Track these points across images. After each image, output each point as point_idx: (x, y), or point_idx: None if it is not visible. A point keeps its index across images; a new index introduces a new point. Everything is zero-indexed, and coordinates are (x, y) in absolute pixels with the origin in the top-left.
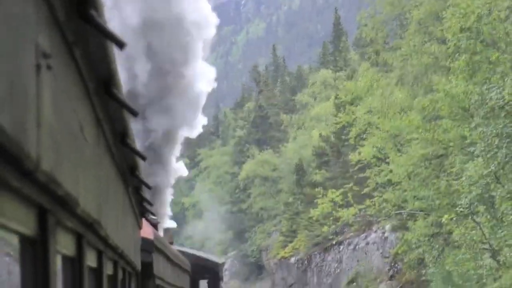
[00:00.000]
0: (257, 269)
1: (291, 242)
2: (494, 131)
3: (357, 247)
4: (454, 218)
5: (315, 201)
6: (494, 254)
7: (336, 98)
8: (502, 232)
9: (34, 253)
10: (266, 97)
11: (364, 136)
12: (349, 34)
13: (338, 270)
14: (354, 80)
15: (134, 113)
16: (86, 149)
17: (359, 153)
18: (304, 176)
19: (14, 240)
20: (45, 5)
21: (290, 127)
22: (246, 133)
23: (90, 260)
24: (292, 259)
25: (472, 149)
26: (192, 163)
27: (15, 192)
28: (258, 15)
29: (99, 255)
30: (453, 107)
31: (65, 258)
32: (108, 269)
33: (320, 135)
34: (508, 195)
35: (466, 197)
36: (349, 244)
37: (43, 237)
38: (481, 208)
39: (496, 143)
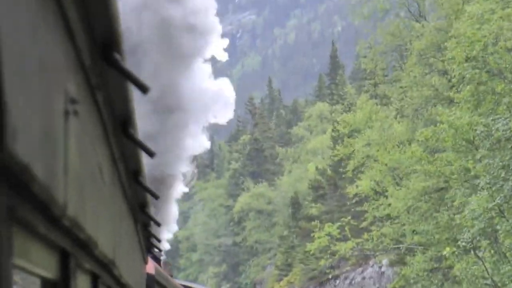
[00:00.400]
0: None
1: (286, 275)
2: (500, 163)
3: (353, 281)
4: (456, 253)
5: (311, 234)
6: None
7: (333, 130)
8: (506, 267)
9: None
10: (262, 130)
11: (362, 169)
12: (346, 68)
13: None
14: (352, 113)
15: (151, 154)
16: (104, 190)
17: (357, 186)
18: (300, 209)
19: (37, 283)
20: (73, 50)
21: (285, 160)
22: (241, 165)
23: None
24: None
25: (477, 181)
26: (186, 195)
27: (41, 238)
28: (253, 48)
29: None
30: (457, 139)
31: None
32: None
33: (317, 168)
34: (510, 231)
35: (468, 231)
36: (345, 278)
37: (65, 280)
38: (484, 242)
39: (502, 175)
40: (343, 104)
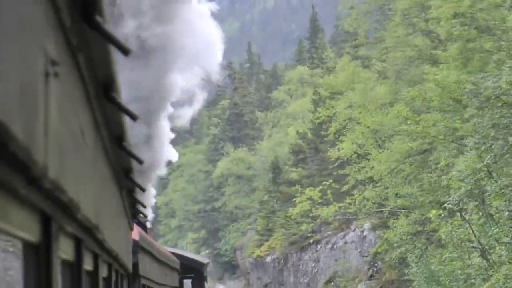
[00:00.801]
0: (231, 268)
1: (266, 241)
2: (490, 122)
3: (335, 246)
4: (442, 215)
5: (292, 199)
6: (484, 253)
7: (314, 93)
8: (494, 229)
9: (37, 259)
10: (241, 95)
11: (344, 132)
12: (325, 33)
13: (316, 270)
14: (334, 75)
15: (134, 117)
16: (86, 154)
17: (339, 150)
18: (280, 174)
19: (18, 246)
20: (52, 9)
21: (265, 125)
22: (221, 131)
23: (87, 263)
24: (268, 258)
25: (464, 141)
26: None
27: (21, 199)
28: (232, 14)
29: (96, 258)
30: (444, 98)
31: (64, 263)
32: (103, 272)
33: (297, 132)
34: (502, 190)
35: (455, 193)
36: (327, 243)
37: (47, 243)
38: (471, 204)
39: (492, 134)
40: (323, 68)
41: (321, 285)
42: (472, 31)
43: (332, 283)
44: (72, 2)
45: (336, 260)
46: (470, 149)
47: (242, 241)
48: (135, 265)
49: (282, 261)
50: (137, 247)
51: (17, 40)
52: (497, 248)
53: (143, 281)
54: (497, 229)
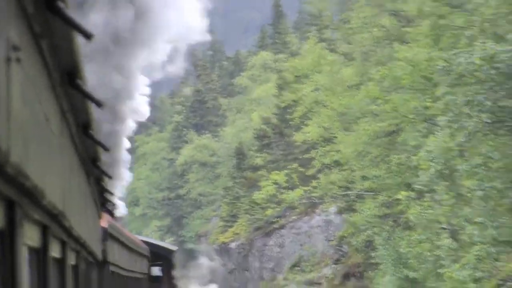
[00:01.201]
0: (195, 255)
1: (231, 227)
2: (464, 99)
3: (300, 230)
4: (411, 197)
5: (257, 184)
6: (454, 234)
7: (278, 78)
8: (465, 210)
9: (1, 245)
10: (204, 82)
11: (310, 115)
12: (288, 19)
13: (281, 255)
14: (299, 58)
15: (99, 104)
16: (52, 140)
17: (304, 133)
18: (244, 159)
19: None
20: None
21: (229, 111)
22: (184, 118)
23: (55, 251)
24: (233, 244)
25: (437, 120)
26: (128, 150)
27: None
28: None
29: (63, 246)
30: (415, 76)
31: (30, 249)
32: (71, 260)
33: (262, 117)
34: (475, 170)
35: (424, 174)
36: (291, 227)
37: (11, 229)
38: (441, 185)
39: (466, 111)
40: (287, 53)
41: (286, 270)
42: (443, 8)
43: (298, 267)
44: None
45: (301, 244)
46: (442, 129)
47: (207, 228)
48: (104, 252)
49: (247, 246)
50: (106, 235)
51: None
52: (468, 228)
53: (112, 268)
54: (469, 209)
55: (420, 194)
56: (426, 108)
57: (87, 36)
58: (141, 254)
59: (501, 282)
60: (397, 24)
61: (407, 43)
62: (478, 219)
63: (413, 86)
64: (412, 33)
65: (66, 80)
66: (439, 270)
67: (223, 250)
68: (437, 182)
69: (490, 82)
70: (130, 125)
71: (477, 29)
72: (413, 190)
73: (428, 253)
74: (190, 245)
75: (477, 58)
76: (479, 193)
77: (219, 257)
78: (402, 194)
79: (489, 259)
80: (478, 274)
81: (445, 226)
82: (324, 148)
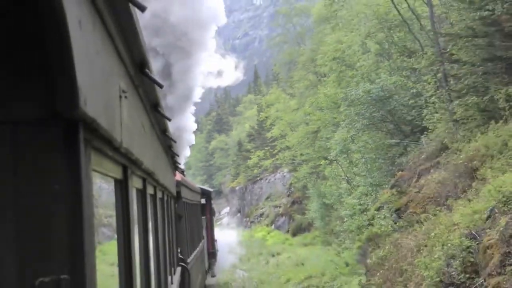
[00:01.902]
0: (218, 193)
1: (236, 179)
2: (355, 112)
3: (270, 180)
4: (326, 163)
5: (249, 157)
6: (348, 181)
7: (258, 106)
8: (353, 169)
9: (121, 188)
10: (221, 109)
11: (275, 124)
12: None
13: (260, 193)
14: (269, 95)
15: (169, 119)
16: (145, 136)
17: (272, 133)
18: (241, 146)
19: (111, 181)
20: (124, 64)
21: (234, 123)
22: (211, 127)
23: (150, 191)
24: (237, 188)
25: (342, 123)
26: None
27: (111, 158)
28: None
29: (155, 188)
30: (328, 102)
31: (137, 190)
32: (159, 195)
33: (250, 126)
34: (359, 149)
35: (333, 151)
36: (266, 179)
37: (125, 180)
38: (341, 157)
39: (356, 119)
40: (262, 95)
41: (263, 200)
42: (342, 67)
43: (269, 199)
44: (133, 61)
45: (271, 187)
46: (342, 128)
47: (224, 180)
48: (178, 193)
49: (244, 189)
50: (179, 183)
51: (108, 80)
52: (356, 178)
53: (183, 200)
54: (356, 169)
55: (331, 162)
56: (334, 118)
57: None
58: (196, 192)
59: (381, 205)
60: (317, 77)
61: (323, 86)
62: (362, 174)
63: (327, 107)
64: (326, 81)
65: (153, 107)
66: (341, 200)
67: (232, 191)
68: (340, 155)
69: (368, 103)
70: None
71: (360, 77)
72: (327, 159)
73: (335, 191)
74: (216, 188)
75: (360, 92)
76: (362, 160)
77: (230, 194)
78: (322, 162)
79: (367, 194)
80: (361, 201)
81: (343, 177)
82: (281, 140)
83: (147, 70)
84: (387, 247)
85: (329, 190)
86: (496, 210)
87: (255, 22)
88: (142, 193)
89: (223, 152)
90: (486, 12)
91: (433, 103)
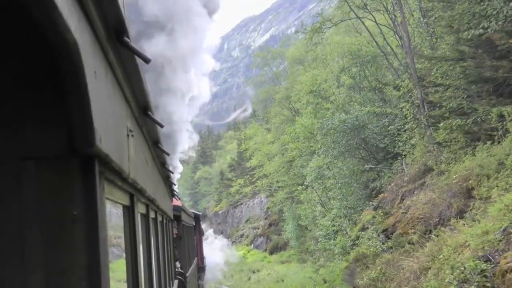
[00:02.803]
0: (203, 217)
1: (219, 204)
2: (331, 140)
3: (249, 205)
4: (302, 188)
5: (231, 185)
6: (323, 205)
7: (238, 141)
8: (328, 193)
9: (128, 213)
10: (204, 144)
11: (253, 155)
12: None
13: (241, 216)
14: (248, 130)
15: (167, 154)
16: (148, 168)
17: (251, 163)
18: (224, 176)
19: (120, 207)
20: (130, 109)
21: (216, 156)
22: (197, 159)
23: (152, 215)
24: (220, 212)
25: (318, 151)
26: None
27: (120, 187)
28: None
29: (156, 213)
30: (305, 132)
31: (141, 215)
32: (159, 218)
33: (231, 157)
34: (334, 175)
35: (309, 178)
36: (245, 204)
37: (132, 206)
38: (317, 183)
39: (332, 146)
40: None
41: (243, 223)
42: (319, 99)
43: (248, 221)
44: (137, 104)
45: (250, 211)
46: (318, 155)
47: (208, 205)
48: (179, 217)
49: (226, 212)
50: (180, 209)
51: (118, 121)
52: (330, 202)
53: (183, 223)
54: (331, 193)
55: (307, 187)
56: (311, 146)
57: (146, 60)
58: (190, 216)
59: (364, 226)
60: (291, 113)
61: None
62: (337, 197)
63: (304, 136)
64: (303, 112)
65: (154, 144)
66: (315, 221)
67: (216, 214)
68: (315, 181)
69: (343, 132)
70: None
71: (335, 108)
72: (302, 185)
73: (310, 214)
74: (201, 212)
75: (335, 122)
76: (337, 185)
77: (214, 218)
78: (298, 188)
79: (342, 217)
80: (335, 223)
81: (318, 201)
82: (259, 169)
83: (149, 112)
84: (379, 268)
85: (304, 213)
86: (511, 230)
87: (233, 71)
88: (145, 217)
89: (207, 181)
90: (480, 30)
91: (409, 129)
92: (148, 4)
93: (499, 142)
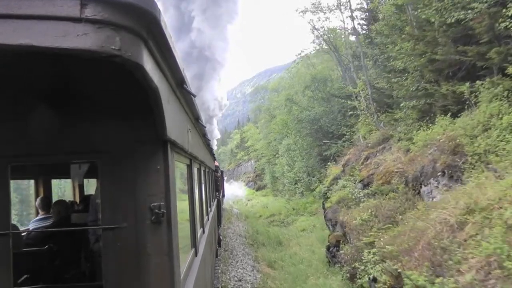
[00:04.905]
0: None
1: (230, 164)
2: (300, 126)
3: (245, 166)
4: (276, 157)
5: (236, 155)
6: (289, 165)
7: (240, 132)
8: (293, 159)
9: (189, 169)
10: (224, 134)
11: (249, 140)
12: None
13: (241, 171)
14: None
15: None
16: (199, 145)
17: (247, 144)
18: (232, 151)
19: (184, 166)
20: (188, 117)
21: (229, 140)
22: None
23: (203, 169)
24: (230, 168)
25: (289, 135)
26: None
27: (184, 156)
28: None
29: (205, 168)
30: (282, 123)
31: (197, 169)
32: (207, 170)
33: (237, 142)
34: (298, 148)
35: (281, 150)
36: (243, 165)
37: (191, 165)
38: (286, 153)
39: (301, 130)
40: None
41: (242, 174)
42: (292, 104)
43: (245, 173)
44: (193, 116)
45: (246, 168)
46: (289, 138)
47: (224, 164)
48: (216, 169)
49: (233, 169)
50: (217, 167)
51: (181, 124)
52: (294, 164)
53: (219, 172)
54: (295, 158)
55: (279, 156)
56: (286, 131)
57: (193, 95)
58: (220, 169)
59: (335, 177)
60: (270, 117)
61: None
62: (300, 161)
63: (281, 125)
64: (278, 114)
65: (203, 135)
66: (284, 174)
67: (228, 170)
68: (285, 153)
69: (308, 122)
70: None
71: (302, 109)
72: (276, 155)
73: (280, 170)
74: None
75: (304, 115)
76: (301, 154)
77: (227, 172)
78: (273, 156)
79: (301, 172)
80: (297, 175)
81: (286, 163)
82: (252, 147)
83: (199, 120)
84: (369, 210)
85: (277, 170)
86: None
87: (235, 105)
88: (198, 170)
89: (224, 154)
90: (462, 15)
91: (353, 116)
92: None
93: (459, 115)
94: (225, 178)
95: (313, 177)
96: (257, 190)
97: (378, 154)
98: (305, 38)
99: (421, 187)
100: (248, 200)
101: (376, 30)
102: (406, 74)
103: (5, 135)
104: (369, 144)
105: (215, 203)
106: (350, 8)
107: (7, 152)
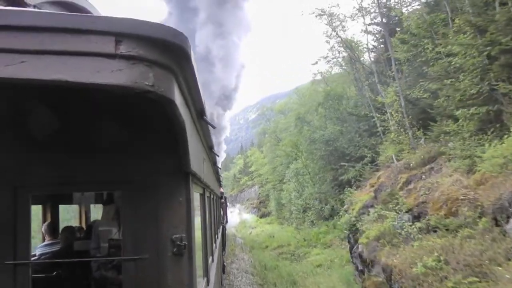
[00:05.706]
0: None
1: (233, 190)
2: (313, 147)
3: (248, 191)
4: (283, 182)
5: (240, 181)
6: (297, 191)
7: (244, 157)
8: (303, 184)
9: (202, 196)
10: (227, 160)
11: (253, 164)
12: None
13: (244, 196)
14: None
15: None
16: (211, 175)
17: (251, 169)
18: (235, 176)
19: (198, 194)
20: (204, 148)
21: (232, 165)
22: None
23: (212, 196)
24: (233, 194)
25: (299, 158)
26: None
27: (199, 185)
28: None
29: (213, 195)
30: (291, 144)
31: (207, 197)
32: (213, 197)
33: (240, 167)
34: (308, 173)
35: (289, 175)
36: (247, 191)
37: (204, 193)
38: (294, 178)
39: (314, 152)
40: (247, 156)
41: (245, 200)
42: (303, 124)
43: (248, 200)
44: (208, 146)
45: (249, 194)
46: (297, 161)
47: (227, 190)
48: (222, 195)
49: (236, 195)
50: (222, 194)
51: (199, 155)
52: (303, 190)
53: (223, 199)
54: (305, 183)
55: (285, 182)
56: (296, 154)
57: (213, 127)
58: (224, 195)
59: (365, 205)
60: (276, 141)
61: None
62: (310, 186)
63: (291, 147)
64: (290, 132)
65: (214, 164)
66: (291, 201)
67: (231, 195)
68: (293, 177)
69: (321, 143)
70: None
71: (314, 128)
72: (282, 181)
73: (287, 196)
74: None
75: (317, 135)
76: (313, 178)
77: (229, 197)
78: (279, 182)
79: (312, 199)
80: (306, 203)
81: (294, 189)
82: (256, 172)
83: (213, 150)
84: (435, 253)
85: (284, 196)
86: None
87: (238, 131)
88: (209, 197)
89: (227, 179)
90: None
91: (389, 132)
92: None
93: None
94: (228, 204)
95: (326, 204)
96: (261, 217)
97: (424, 176)
98: (309, 67)
99: (507, 221)
100: (252, 228)
101: (409, 31)
102: (462, 74)
103: (28, 166)
104: (409, 165)
105: (220, 230)
106: (378, 7)
107: (29, 182)
